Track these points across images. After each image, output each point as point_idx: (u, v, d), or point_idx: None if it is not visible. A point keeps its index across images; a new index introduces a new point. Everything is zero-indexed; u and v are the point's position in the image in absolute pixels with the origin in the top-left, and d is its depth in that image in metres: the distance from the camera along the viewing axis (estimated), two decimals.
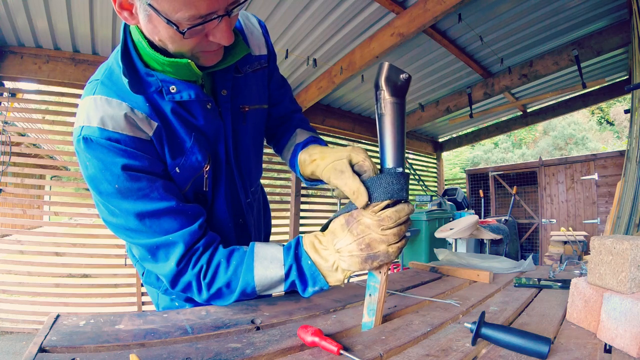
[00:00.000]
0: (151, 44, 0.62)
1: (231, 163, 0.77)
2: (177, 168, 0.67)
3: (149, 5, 0.51)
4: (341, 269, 0.61)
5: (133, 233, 0.64)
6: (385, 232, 0.57)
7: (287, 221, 4.74)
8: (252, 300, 0.83)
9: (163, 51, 0.62)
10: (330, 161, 0.66)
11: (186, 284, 0.65)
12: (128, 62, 0.62)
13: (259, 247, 0.66)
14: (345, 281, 0.65)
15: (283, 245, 0.67)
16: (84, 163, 0.61)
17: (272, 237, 1.15)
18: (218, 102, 0.72)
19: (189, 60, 0.61)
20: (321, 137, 0.87)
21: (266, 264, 0.64)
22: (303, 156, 0.75)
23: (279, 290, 0.67)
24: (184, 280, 0.65)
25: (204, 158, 0.70)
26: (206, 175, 0.71)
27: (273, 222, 1.13)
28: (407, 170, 0.66)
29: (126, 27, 0.63)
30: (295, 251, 0.64)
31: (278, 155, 0.94)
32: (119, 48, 0.63)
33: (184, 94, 0.64)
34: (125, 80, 0.60)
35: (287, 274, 0.63)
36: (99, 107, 0.60)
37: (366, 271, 0.61)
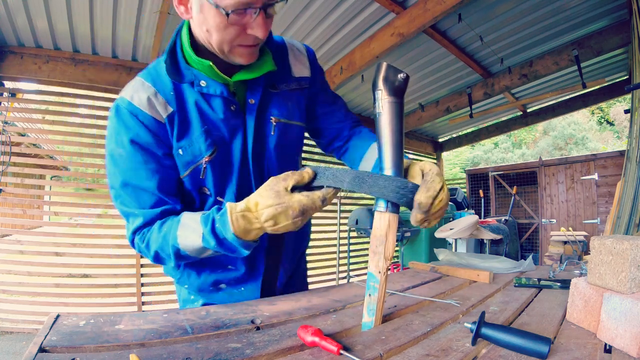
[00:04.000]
0: (193, 46, 0.74)
1: (248, 166, 0.82)
2: (180, 150, 0.76)
3: None
4: (262, 228, 0.66)
5: (117, 193, 0.76)
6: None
7: None
8: (251, 300, 0.83)
9: (201, 54, 0.74)
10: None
11: (137, 246, 0.78)
12: (173, 56, 0.75)
13: (185, 216, 0.74)
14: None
15: (204, 214, 0.72)
16: (109, 124, 0.76)
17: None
18: (244, 108, 0.80)
19: (211, 64, 0.72)
20: None
21: (187, 233, 0.71)
22: None
23: (210, 253, 0.73)
24: (135, 243, 0.78)
25: (208, 149, 0.77)
26: (204, 166, 0.77)
27: None
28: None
29: (179, 30, 0.77)
30: (213, 227, 0.68)
31: (347, 165, 0.99)
32: (169, 45, 0.76)
33: (211, 89, 0.75)
34: (164, 66, 0.73)
35: (207, 246, 0.70)
36: (135, 86, 0.75)
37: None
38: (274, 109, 0.84)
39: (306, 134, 1.01)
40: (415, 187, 0.61)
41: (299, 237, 1.00)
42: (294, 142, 0.91)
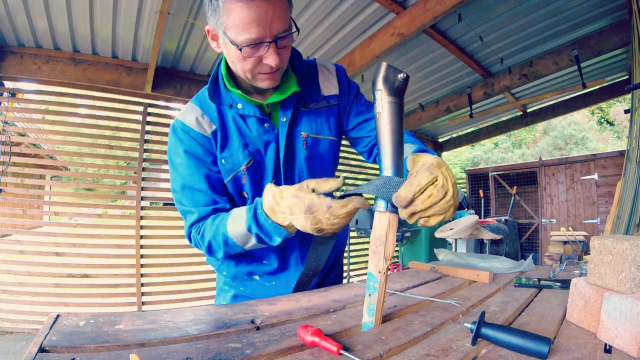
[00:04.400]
0: (229, 74, 0.87)
1: (280, 177, 0.92)
2: (223, 160, 0.89)
3: (224, 33, 0.75)
4: (289, 220, 0.72)
5: (177, 195, 0.90)
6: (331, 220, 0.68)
7: None
8: (252, 300, 0.85)
9: (235, 81, 0.88)
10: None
11: (194, 240, 0.89)
12: (215, 83, 0.88)
13: (236, 209, 0.84)
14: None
15: (250, 205, 0.81)
16: (169, 140, 0.91)
17: None
18: (277, 125, 0.91)
19: (241, 92, 0.85)
20: None
21: (235, 221, 0.81)
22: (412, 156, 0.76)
23: (253, 243, 0.81)
24: (192, 237, 0.89)
25: (245, 159, 0.89)
26: (243, 173, 0.89)
27: None
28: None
29: (220, 61, 0.88)
30: (255, 211, 0.77)
31: None
32: (212, 73, 0.89)
33: (246, 110, 0.87)
34: (206, 93, 0.87)
35: (249, 230, 0.78)
36: (187, 109, 0.91)
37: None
38: (304, 126, 0.94)
39: (345, 143, 1.09)
40: (402, 183, 0.60)
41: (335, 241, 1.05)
42: (325, 154, 0.98)
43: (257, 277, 0.99)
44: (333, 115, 0.99)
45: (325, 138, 0.97)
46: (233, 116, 0.89)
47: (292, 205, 0.69)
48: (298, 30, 0.77)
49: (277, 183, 0.92)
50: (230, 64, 0.82)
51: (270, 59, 0.75)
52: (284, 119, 0.90)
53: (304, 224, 0.69)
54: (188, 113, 0.89)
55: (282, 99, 0.88)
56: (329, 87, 0.98)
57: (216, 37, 0.79)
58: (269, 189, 0.75)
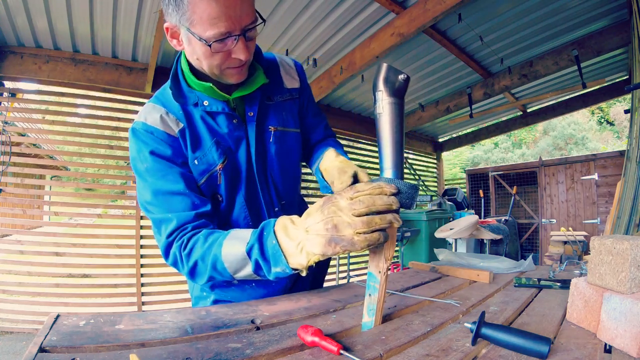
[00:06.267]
0: (192, 70, 0.82)
1: (253, 172, 0.89)
2: (195, 160, 0.83)
3: (188, 30, 0.70)
4: (305, 251, 0.60)
5: (150, 206, 0.80)
6: (354, 218, 0.56)
7: None
8: (252, 300, 0.84)
9: (201, 77, 0.83)
10: (340, 162, 0.84)
11: (173, 255, 0.77)
12: (176, 81, 0.84)
13: (237, 230, 0.74)
14: (309, 265, 0.60)
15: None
16: (130, 147, 0.83)
17: None
18: (245, 121, 0.88)
19: (212, 85, 0.80)
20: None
21: (234, 242, 0.70)
22: (327, 153, 0.93)
23: (248, 272, 0.69)
24: (172, 252, 0.77)
25: (220, 157, 0.84)
26: (219, 173, 0.85)
27: None
28: (406, 170, 0.66)
29: (179, 58, 0.85)
30: (261, 231, 0.67)
31: (314, 174, 1.03)
32: (172, 72, 0.85)
33: (213, 107, 0.83)
34: (170, 92, 0.83)
35: (249, 252, 0.67)
36: (147, 109, 0.84)
37: (329, 256, 0.58)
38: (271, 119, 0.92)
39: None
40: (401, 184, 0.61)
41: None
42: (293, 147, 0.98)
43: (236, 282, 0.92)
44: (295, 108, 1.00)
45: (292, 131, 0.97)
46: (201, 114, 0.84)
47: (312, 222, 0.60)
48: (264, 20, 0.74)
49: (252, 181, 0.89)
50: (194, 62, 0.78)
51: (240, 53, 0.73)
52: (251, 114, 0.88)
53: (321, 232, 0.58)
54: (150, 113, 0.83)
55: (247, 94, 0.86)
56: (291, 80, 0.99)
57: (177, 34, 0.75)
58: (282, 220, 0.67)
